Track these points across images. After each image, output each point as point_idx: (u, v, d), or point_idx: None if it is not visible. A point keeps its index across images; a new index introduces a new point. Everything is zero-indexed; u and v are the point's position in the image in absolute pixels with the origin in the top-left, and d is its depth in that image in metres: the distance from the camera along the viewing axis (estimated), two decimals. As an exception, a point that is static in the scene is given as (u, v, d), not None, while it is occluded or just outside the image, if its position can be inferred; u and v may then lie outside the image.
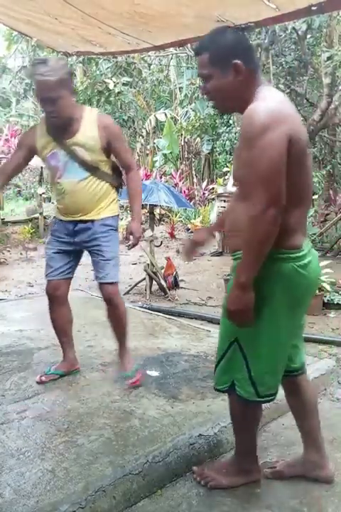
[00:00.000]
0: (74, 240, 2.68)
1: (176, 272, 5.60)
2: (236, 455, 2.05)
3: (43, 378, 2.78)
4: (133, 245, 2.70)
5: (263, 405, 2.03)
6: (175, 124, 13.96)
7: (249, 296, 1.67)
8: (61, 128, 2.54)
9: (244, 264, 1.66)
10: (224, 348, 1.85)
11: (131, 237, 2.68)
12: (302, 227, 1.80)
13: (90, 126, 2.55)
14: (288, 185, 1.61)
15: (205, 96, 1.88)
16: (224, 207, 8.39)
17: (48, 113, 2.50)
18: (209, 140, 12.04)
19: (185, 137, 14.35)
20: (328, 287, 4.81)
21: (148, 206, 5.76)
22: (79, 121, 2.55)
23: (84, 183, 2.59)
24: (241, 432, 1.99)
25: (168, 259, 5.77)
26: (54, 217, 2.82)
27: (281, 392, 2.63)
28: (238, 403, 1.88)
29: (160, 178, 12.21)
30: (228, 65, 1.71)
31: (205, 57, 1.75)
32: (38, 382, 2.76)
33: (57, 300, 2.75)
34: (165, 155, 14.28)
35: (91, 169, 2.59)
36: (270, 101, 1.68)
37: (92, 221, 2.64)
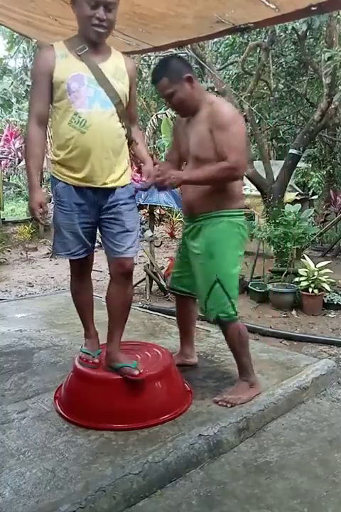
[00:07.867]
0: (96, 206, 2.34)
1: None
2: (243, 375, 2.59)
3: (96, 360, 2.50)
4: (162, 187, 2.50)
5: (263, 405, 2.49)
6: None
7: None
8: (92, 46, 2.24)
9: None
10: (209, 288, 2.48)
11: (147, 179, 2.39)
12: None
13: (118, 57, 2.38)
14: None
15: (173, 109, 2.66)
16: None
17: (99, 15, 2.13)
18: None
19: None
20: (328, 287, 4.81)
21: (148, 206, 5.77)
22: (108, 49, 2.34)
23: (109, 115, 2.25)
24: (242, 350, 2.56)
25: (170, 259, 5.78)
26: (57, 179, 2.33)
27: (278, 392, 2.63)
28: (231, 328, 2.52)
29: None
30: (182, 79, 2.42)
31: (165, 80, 2.43)
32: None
33: (85, 277, 2.52)
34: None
35: (117, 101, 2.28)
36: (226, 102, 2.84)
37: (113, 188, 2.32)
